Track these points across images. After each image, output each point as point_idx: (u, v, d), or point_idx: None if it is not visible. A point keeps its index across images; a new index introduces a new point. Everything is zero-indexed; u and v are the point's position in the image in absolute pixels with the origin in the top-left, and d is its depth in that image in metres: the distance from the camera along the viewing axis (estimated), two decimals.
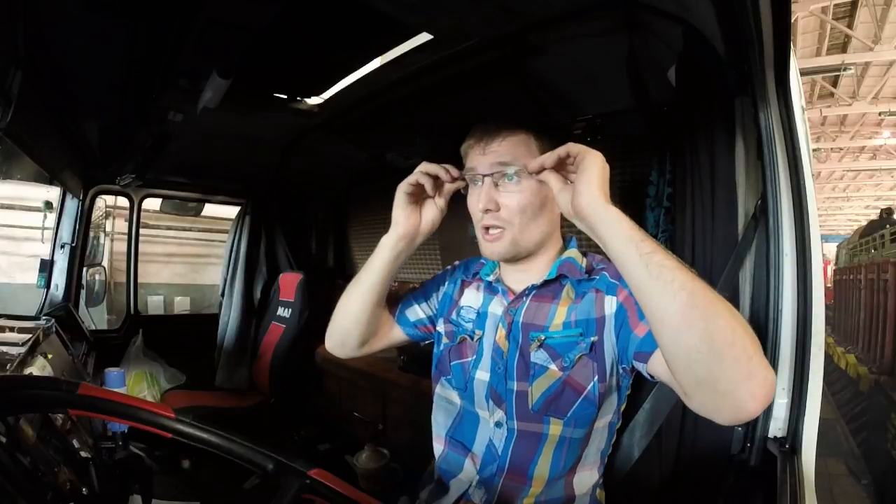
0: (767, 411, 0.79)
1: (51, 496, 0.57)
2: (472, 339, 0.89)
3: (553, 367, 0.79)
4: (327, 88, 1.55)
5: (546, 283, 0.83)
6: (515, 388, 0.81)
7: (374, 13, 0.97)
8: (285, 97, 1.61)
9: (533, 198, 0.80)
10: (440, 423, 0.92)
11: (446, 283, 1.00)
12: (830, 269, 9.58)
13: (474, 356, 0.87)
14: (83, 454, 0.74)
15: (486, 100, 1.40)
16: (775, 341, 0.79)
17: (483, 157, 0.80)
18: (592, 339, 0.78)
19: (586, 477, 0.82)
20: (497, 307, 0.88)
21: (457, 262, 1.04)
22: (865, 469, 3.96)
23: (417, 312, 0.99)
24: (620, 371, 0.79)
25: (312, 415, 2.49)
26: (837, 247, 10.46)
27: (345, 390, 2.34)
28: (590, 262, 0.86)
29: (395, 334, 0.99)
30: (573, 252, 0.86)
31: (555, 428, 0.80)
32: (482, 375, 0.85)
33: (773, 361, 0.79)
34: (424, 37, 1.13)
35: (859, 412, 4.99)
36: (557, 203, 0.68)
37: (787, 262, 0.79)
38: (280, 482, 0.59)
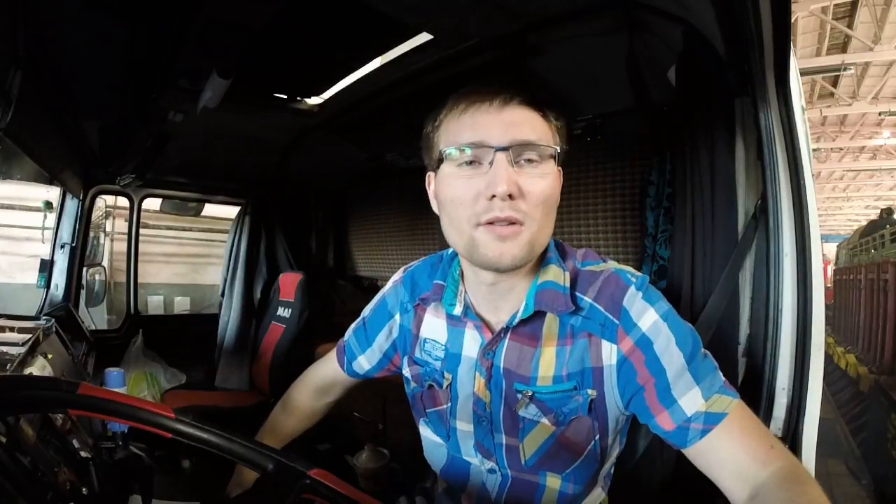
0: (767, 411, 0.78)
1: (51, 496, 0.56)
2: (440, 386, 0.75)
3: (545, 420, 0.68)
4: (327, 88, 1.55)
5: (524, 319, 0.67)
6: (505, 443, 0.71)
7: (374, 13, 0.97)
8: (285, 97, 1.61)
9: (554, 189, 0.63)
10: (433, 462, 0.83)
11: (397, 315, 0.83)
12: (830, 269, 9.57)
13: (449, 404, 0.75)
14: (83, 454, 0.74)
15: None
16: (775, 341, 0.79)
17: (496, 124, 0.60)
18: (590, 393, 0.65)
19: (594, 498, 0.77)
20: (470, 348, 0.72)
21: (397, 277, 0.85)
22: (865, 469, 3.95)
23: (362, 365, 0.88)
24: (628, 416, 0.70)
25: None
26: (837, 247, 10.46)
27: None
28: (573, 270, 0.68)
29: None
30: (552, 271, 0.67)
31: (552, 481, 0.71)
32: (464, 426, 0.74)
33: (773, 361, 0.79)
34: (424, 37, 1.13)
35: (859, 412, 4.99)
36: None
37: (787, 262, 0.79)
38: (280, 482, 0.59)
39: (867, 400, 4.83)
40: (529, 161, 0.61)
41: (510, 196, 0.58)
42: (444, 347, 0.75)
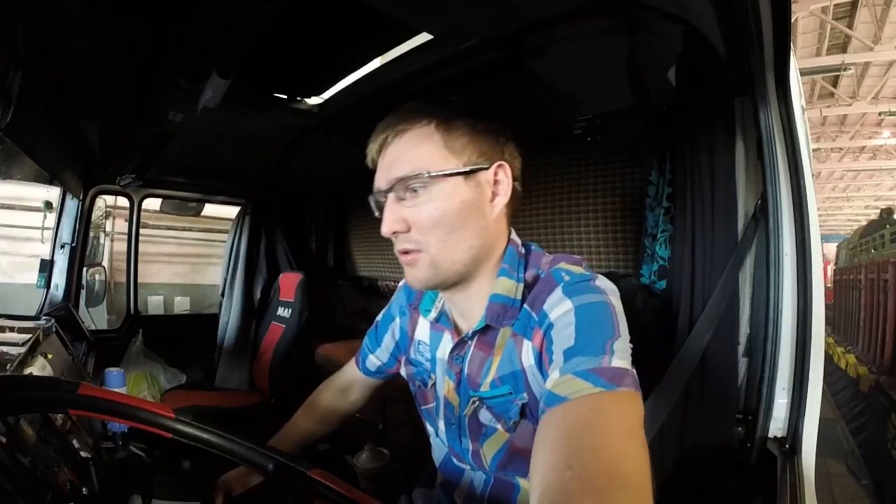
0: (767, 411, 0.78)
1: (51, 496, 0.57)
2: (425, 386, 0.79)
3: (500, 427, 0.68)
4: (327, 88, 1.55)
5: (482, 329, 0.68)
6: (470, 448, 0.73)
7: (374, 13, 0.97)
8: (285, 97, 1.61)
9: (446, 205, 0.62)
10: (434, 456, 0.87)
11: (397, 317, 0.88)
12: (830, 269, 9.57)
13: (434, 403, 0.78)
14: (83, 454, 0.74)
15: (486, 100, 1.40)
16: (775, 341, 0.79)
17: (381, 169, 0.66)
18: (523, 396, 0.64)
19: None
20: (444, 352, 0.75)
21: (402, 282, 0.90)
22: (865, 469, 3.95)
23: (374, 362, 0.94)
24: None
25: None
26: (837, 247, 10.45)
27: None
28: (532, 279, 0.66)
29: (379, 381, 0.99)
30: (503, 283, 0.66)
31: (523, 482, 0.70)
32: (443, 427, 0.77)
33: (774, 361, 0.79)
34: (424, 37, 1.13)
35: (859, 412, 4.98)
36: None
37: (787, 262, 0.79)
38: (280, 482, 0.59)
39: (867, 400, 4.82)
40: (407, 195, 0.64)
41: (398, 232, 0.64)
42: (430, 349, 0.79)
